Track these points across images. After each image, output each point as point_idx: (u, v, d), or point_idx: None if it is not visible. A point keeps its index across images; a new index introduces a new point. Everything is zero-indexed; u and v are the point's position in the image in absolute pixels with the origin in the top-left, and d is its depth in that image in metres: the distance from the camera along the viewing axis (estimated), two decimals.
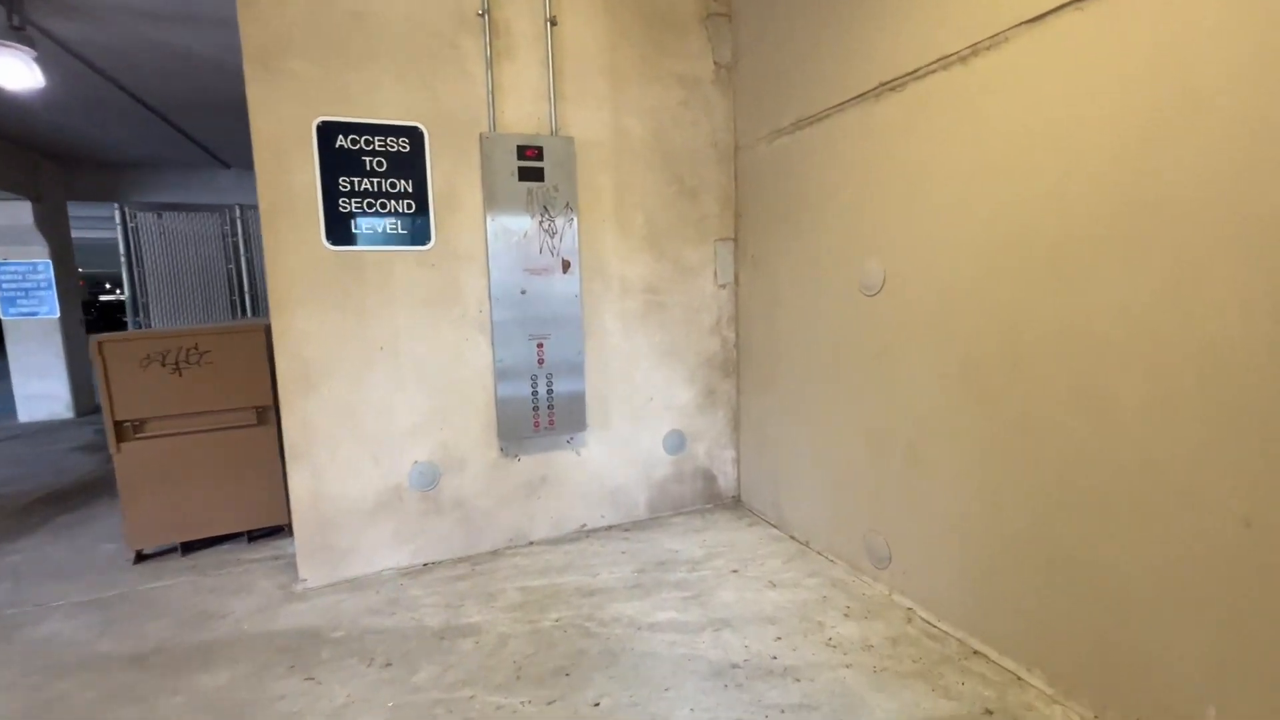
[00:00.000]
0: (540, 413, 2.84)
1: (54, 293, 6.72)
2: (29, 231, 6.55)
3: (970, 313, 1.93)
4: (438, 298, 2.68)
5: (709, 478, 3.32)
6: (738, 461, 3.36)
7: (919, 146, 2.07)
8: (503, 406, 2.78)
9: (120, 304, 5.02)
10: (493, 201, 2.66)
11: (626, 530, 3.05)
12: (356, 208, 2.53)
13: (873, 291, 2.30)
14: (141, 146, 6.49)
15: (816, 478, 2.71)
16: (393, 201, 2.58)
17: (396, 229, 2.59)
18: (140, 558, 2.95)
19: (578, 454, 3.01)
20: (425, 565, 2.77)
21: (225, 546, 3.09)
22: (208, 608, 2.48)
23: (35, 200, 6.49)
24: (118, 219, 5.27)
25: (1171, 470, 1.45)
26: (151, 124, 5.65)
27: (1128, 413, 1.53)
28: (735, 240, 3.19)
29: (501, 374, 2.76)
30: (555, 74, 2.76)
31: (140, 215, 5.40)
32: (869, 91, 2.24)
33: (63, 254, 6.79)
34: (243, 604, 2.49)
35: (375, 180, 2.55)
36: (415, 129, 2.58)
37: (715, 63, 3.07)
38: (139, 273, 5.38)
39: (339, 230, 2.51)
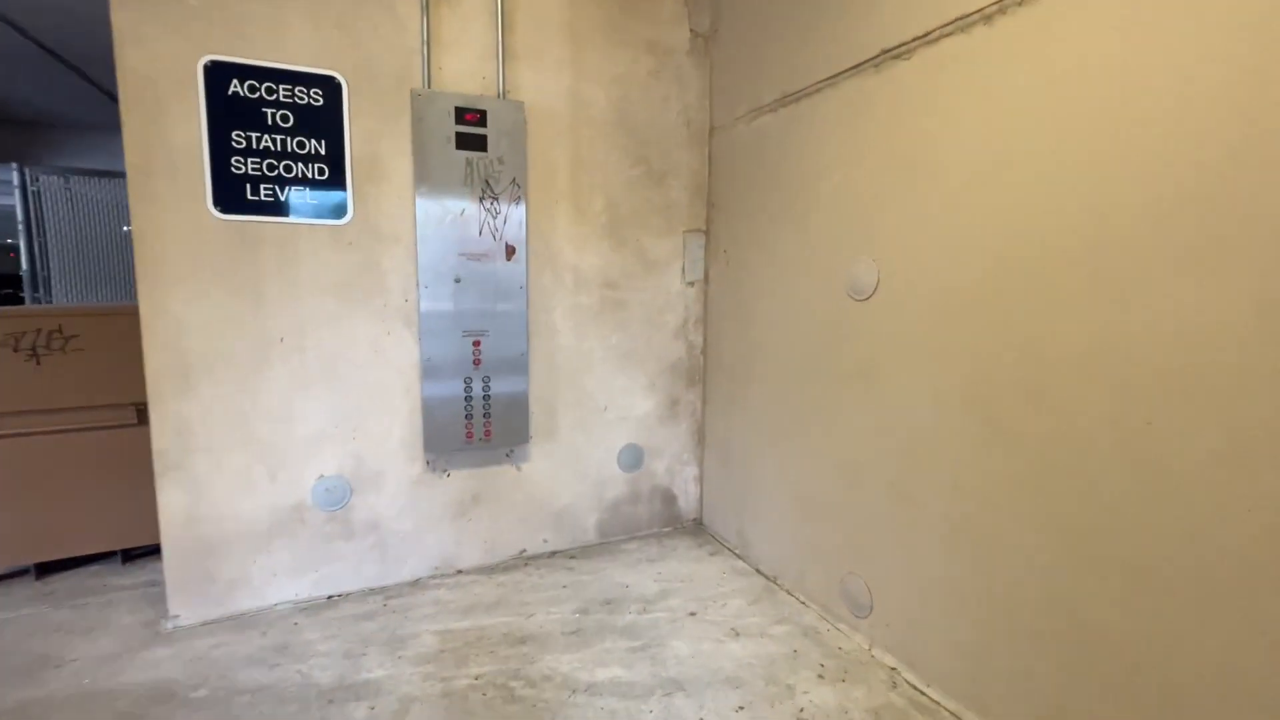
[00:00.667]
0: (474, 421, 2.44)
1: None
2: None
3: (980, 325, 1.61)
4: (354, 282, 2.26)
5: (668, 498, 2.96)
6: (700, 480, 3.01)
7: (926, 124, 1.74)
8: (430, 413, 2.37)
9: (15, 277, 4.44)
10: (425, 172, 2.25)
11: (572, 557, 2.68)
12: (254, 169, 2.09)
13: (863, 295, 1.97)
14: (55, 104, 5.84)
15: (787, 506, 2.38)
16: (300, 165, 2.15)
17: (305, 199, 2.16)
18: None
19: (518, 469, 2.62)
20: (329, 598, 2.34)
21: (93, 568, 2.61)
22: (46, 651, 2.01)
23: None
24: (15, 181, 4.64)
25: (1247, 547, 1.15)
26: (65, 78, 5.04)
27: (1190, 467, 1.22)
28: (706, 232, 2.84)
29: (429, 374, 2.35)
30: (505, 27, 2.36)
31: (44, 178, 4.77)
32: (868, 61, 1.91)
33: None
34: (91, 647, 2.03)
35: (279, 138, 2.11)
36: (331, 79, 2.15)
37: (692, 30, 2.71)
38: (40, 243, 4.76)
39: (230, 196, 2.07)
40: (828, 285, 2.12)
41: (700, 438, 2.98)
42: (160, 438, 2.09)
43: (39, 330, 2.42)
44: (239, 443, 2.18)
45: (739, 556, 2.68)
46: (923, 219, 1.76)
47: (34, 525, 2.47)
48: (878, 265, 1.91)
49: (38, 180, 4.60)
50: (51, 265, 4.74)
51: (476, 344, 2.41)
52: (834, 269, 2.09)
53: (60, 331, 2.45)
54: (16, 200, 4.60)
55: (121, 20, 1.91)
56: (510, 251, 2.41)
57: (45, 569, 2.55)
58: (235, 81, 2.04)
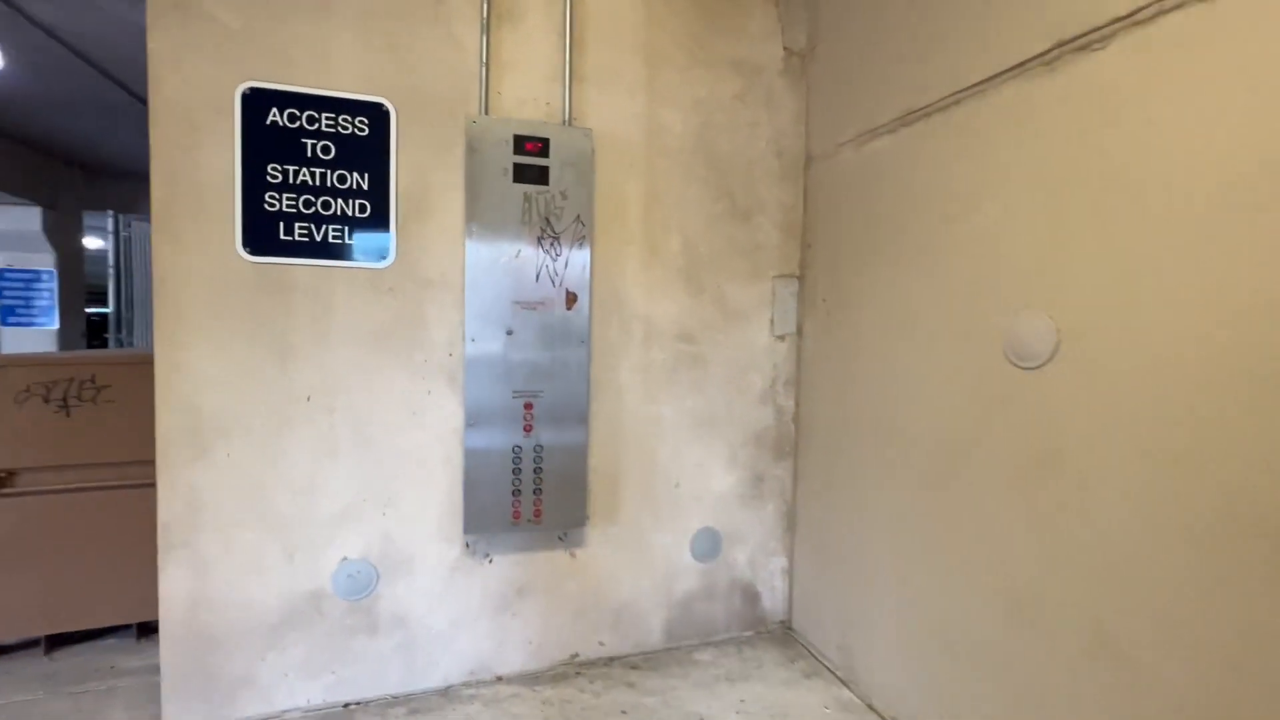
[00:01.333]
0: (523, 498, 2.05)
1: (55, 304, 6.36)
2: (36, 238, 6.24)
3: (1244, 412, 1.09)
4: (393, 333, 1.96)
5: (750, 595, 2.45)
6: (790, 575, 2.49)
7: (1131, 133, 1.27)
8: (472, 487, 2.00)
9: (101, 319, 4.48)
10: (477, 209, 1.95)
11: (634, 667, 2.20)
12: (289, 206, 1.85)
13: (1033, 361, 1.47)
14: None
15: (916, 631, 1.83)
16: (340, 201, 1.89)
17: (343, 238, 1.90)
18: None
19: (572, 556, 2.20)
20: (346, 706, 1.96)
21: (107, 642, 2.36)
22: None
23: (48, 207, 6.18)
24: (109, 227, 4.82)
25: None
26: None
27: None
28: (801, 278, 2.41)
29: (473, 441, 2.00)
30: (574, 46, 2.07)
31: (135, 225, 4.94)
32: (1035, 58, 1.46)
33: (71, 264, 6.43)
34: None
35: (319, 171, 1.87)
36: (378, 106, 1.91)
37: (785, 48, 2.35)
38: (126, 287, 4.90)
39: (262, 235, 1.83)
40: (975, 346, 1.63)
41: (790, 523, 2.47)
42: (166, 509, 1.81)
43: (71, 380, 2.25)
44: (254, 517, 1.87)
45: (843, 682, 2.12)
46: (1132, 258, 1.27)
47: (48, 591, 2.25)
48: (1056, 322, 1.41)
49: (129, 226, 4.77)
50: (135, 309, 4.86)
51: (529, 406, 2.04)
52: (985, 325, 1.60)
53: (93, 381, 2.28)
54: (109, 246, 4.80)
55: (159, 45, 1.73)
56: (571, 299, 2.06)
57: (56, 641, 2.32)
58: (275, 110, 1.82)
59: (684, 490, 2.32)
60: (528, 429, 2.04)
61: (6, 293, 6.41)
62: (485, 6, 1.96)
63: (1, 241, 6.26)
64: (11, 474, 2.22)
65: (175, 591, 1.83)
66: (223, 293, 1.81)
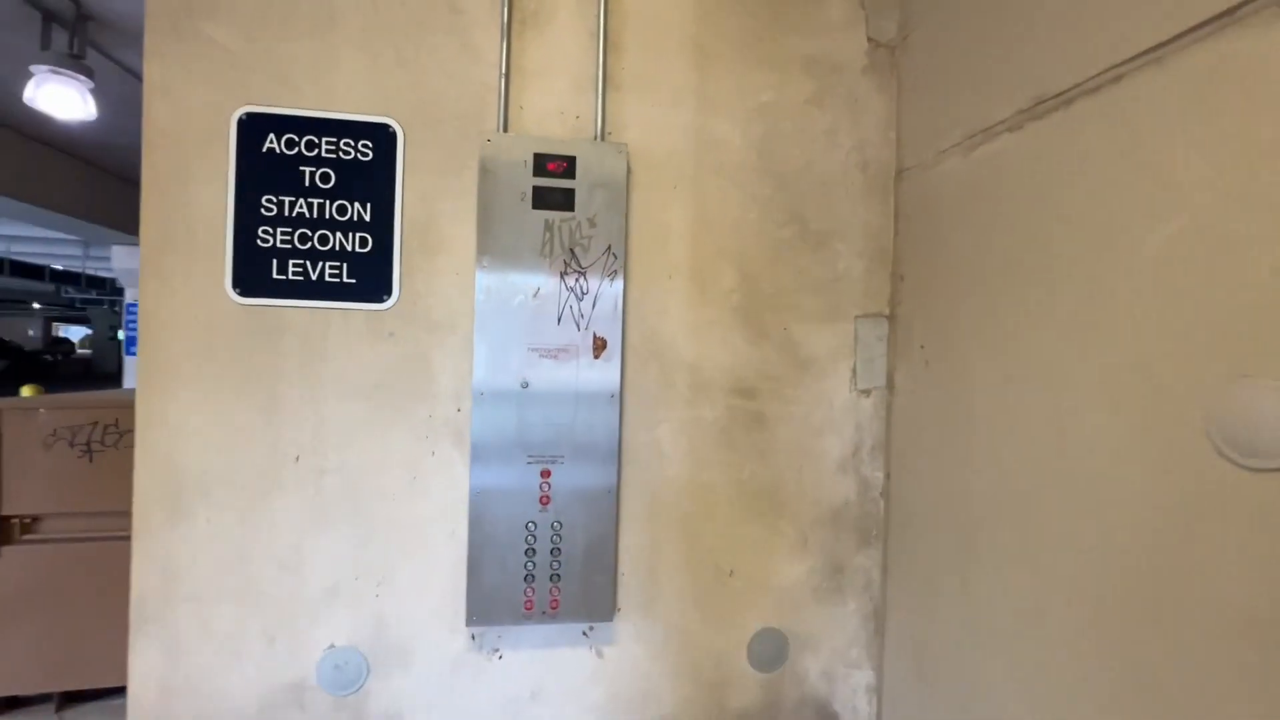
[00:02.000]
0: (538, 583, 1.70)
1: None
2: None
3: None
4: (393, 384, 1.69)
5: (826, 716, 1.93)
6: (879, 694, 1.95)
7: None
8: (477, 568, 1.68)
9: None
10: (489, 239, 1.67)
11: None
12: (283, 241, 1.65)
13: (1263, 460, 0.93)
14: None
15: None
16: (339, 234, 1.67)
17: (340, 275, 1.67)
18: (4, 705, 2.15)
19: (599, 655, 1.80)
20: None
21: (117, 701, 2.22)
22: None
23: None
24: None
25: None
26: None
27: None
28: (891, 318, 1.93)
29: (480, 512, 1.68)
30: (608, 49, 1.77)
31: None
32: (1245, 4, 0.97)
33: None
34: None
35: (316, 202, 1.66)
36: (384, 127, 1.68)
37: (870, 40, 1.93)
38: None
39: (253, 274, 1.63)
40: (1161, 428, 1.10)
41: (879, 628, 1.95)
42: (141, 580, 1.61)
43: (95, 424, 2.18)
44: (234, 592, 1.64)
45: None
46: None
47: (63, 645, 2.15)
48: None
49: None
50: None
51: (546, 474, 1.70)
52: (1176, 398, 1.08)
53: (116, 425, 2.20)
54: None
55: (153, 72, 1.60)
56: (600, 345, 1.72)
57: (70, 698, 2.21)
58: (272, 136, 1.64)
59: (740, 580, 1.87)
60: (544, 501, 1.69)
61: (131, 325, 7.03)
62: (506, 9, 1.70)
63: (127, 278, 6.90)
64: (36, 520, 2.16)
65: (146, 673, 1.62)
66: (209, 337, 1.62)
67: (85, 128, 4.31)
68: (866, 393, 1.93)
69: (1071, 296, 1.29)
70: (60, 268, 14.96)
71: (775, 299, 1.87)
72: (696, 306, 1.82)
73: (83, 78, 3.25)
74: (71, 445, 2.16)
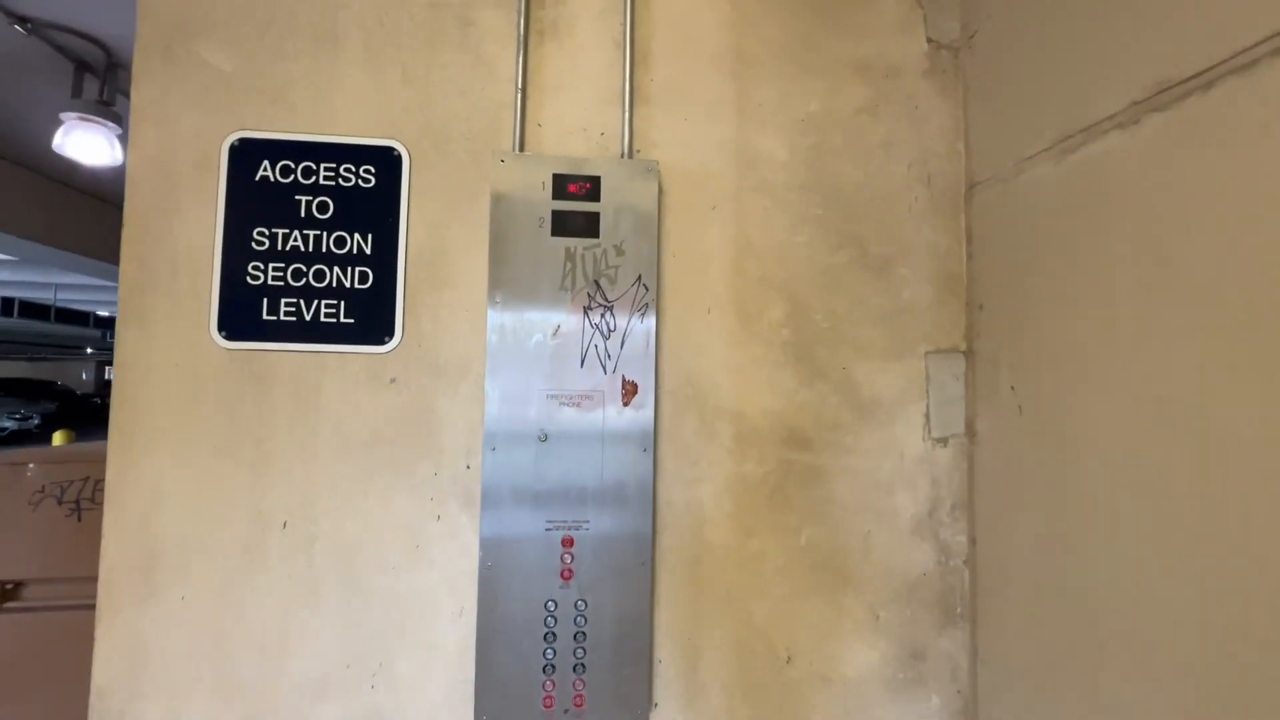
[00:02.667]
0: (560, 675, 1.43)
1: None
2: None
3: None
4: (394, 438, 1.48)
5: None
6: None
7: None
8: (489, 654, 1.42)
9: None
10: (503, 271, 1.46)
11: None
12: (275, 278, 1.47)
13: None
14: None
15: None
16: (337, 269, 1.49)
17: (337, 315, 1.48)
18: None
19: None
20: None
21: None
22: None
23: None
24: None
25: None
26: None
27: None
28: (969, 354, 1.66)
29: (493, 590, 1.43)
30: (635, 59, 1.58)
31: None
32: None
33: None
34: None
35: (313, 234, 1.49)
36: (389, 150, 1.51)
37: (930, 41, 1.71)
38: None
39: (241, 315, 1.46)
40: None
41: None
42: (104, 668, 1.40)
43: (86, 479, 2.02)
44: (208, 683, 1.41)
45: None
46: None
47: None
48: None
49: None
50: None
51: (568, 542, 1.45)
52: None
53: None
54: None
55: (141, 97, 1.46)
56: (630, 390, 1.48)
57: None
58: (266, 163, 1.48)
59: (799, 668, 1.56)
60: (566, 575, 1.44)
61: None
62: (522, 20, 1.54)
63: None
64: (19, 585, 1.99)
65: None
66: (191, 387, 1.44)
67: (115, 174, 4.36)
68: (943, 441, 1.64)
69: (1219, 323, 1.01)
70: (106, 314, 15.54)
71: (831, 333, 1.62)
72: (740, 344, 1.58)
73: (110, 124, 3.24)
74: (60, 503, 2.00)
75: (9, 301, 10.46)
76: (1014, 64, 1.53)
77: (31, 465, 2.00)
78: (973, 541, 1.63)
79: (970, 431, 1.64)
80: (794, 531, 1.57)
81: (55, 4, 2.86)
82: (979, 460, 1.62)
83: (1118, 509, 1.21)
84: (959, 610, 1.62)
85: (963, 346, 1.66)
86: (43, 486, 1.98)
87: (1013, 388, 1.50)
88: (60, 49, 3.09)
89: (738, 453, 1.56)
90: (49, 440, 5.61)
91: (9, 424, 14.82)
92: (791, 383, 1.59)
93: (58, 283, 10.08)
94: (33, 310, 11.13)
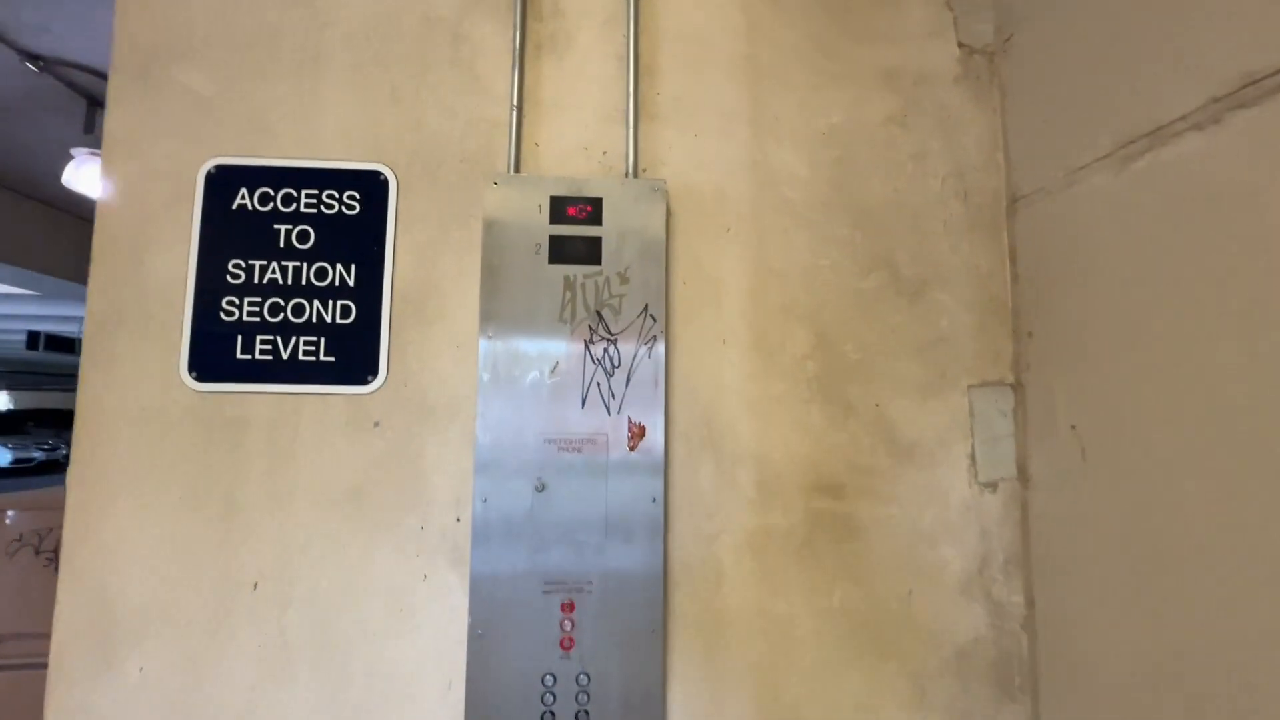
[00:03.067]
0: None
1: None
2: None
3: None
4: (376, 488, 1.34)
5: None
6: None
7: None
8: None
9: None
10: (497, 303, 1.33)
11: None
12: (251, 313, 1.35)
13: None
14: None
15: None
16: (317, 302, 1.37)
17: (317, 352, 1.36)
18: None
19: None
20: None
21: None
22: None
23: None
24: None
25: None
26: None
27: None
28: (1017, 386, 1.47)
29: (484, 661, 1.26)
30: (640, 73, 1.46)
31: None
32: None
33: None
34: None
35: (292, 266, 1.37)
36: (374, 175, 1.40)
37: (961, 44, 1.57)
38: None
39: (214, 354, 1.34)
40: None
41: None
42: None
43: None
44: None
45: None
46: None
47: None
48: None
49: None
50: None
51: (569, 607, 1.28)
52: None
53: None
54: None
55: (116, 124, 1.38)
56: (637, 433, 1.32)
57: None
58: (244, 191, 1.38)
59: None
60: (567, 645, 1.27)
61: None
62: (518, 34, 1.43)
63: None
64: None
65: None
66: (157, 433, 1.31)
67: None
68: (991, 486, 1.45)
69: None
70: None
71: (862, 367, 1.45)
72: (761, 379, 1.42)
73: None
74: (37, 553, 1.89)
75: (35, 335, 10.66)
76: (1060, 66, 1.38)
77: (11, 512, 1.89)
78: (1030, 602, 1.42)
79: (1022, 475, 1.46)
80: (825, 591, 1.39)
81: (66, 42, 2.87)
82: (1034, 508, 1.42)
83: (1211, 566, 1.01)
84: (1017, 682, 1.41)
85: (1010, 379, 1.48)
86: (20, 535, 1.88)
87: (1073, 426, 1.32)
88: (72, 85, 3.10)
89: (760, 502, 1.39)
90: None
91: (38, 454, 15.05)
92: (819, 422, 1.42)
93: (82, 316, 10.25)
94: (59, 344, 11.35)
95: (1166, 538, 1.10)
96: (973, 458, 1.45)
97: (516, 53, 1.43)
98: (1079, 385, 1.31)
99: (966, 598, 1.42)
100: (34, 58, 2.97)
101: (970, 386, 1.47)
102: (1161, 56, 1.13)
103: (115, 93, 1.38)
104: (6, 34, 2.82)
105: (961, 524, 1.43)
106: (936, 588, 1.41)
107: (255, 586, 1.30)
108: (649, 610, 1.29)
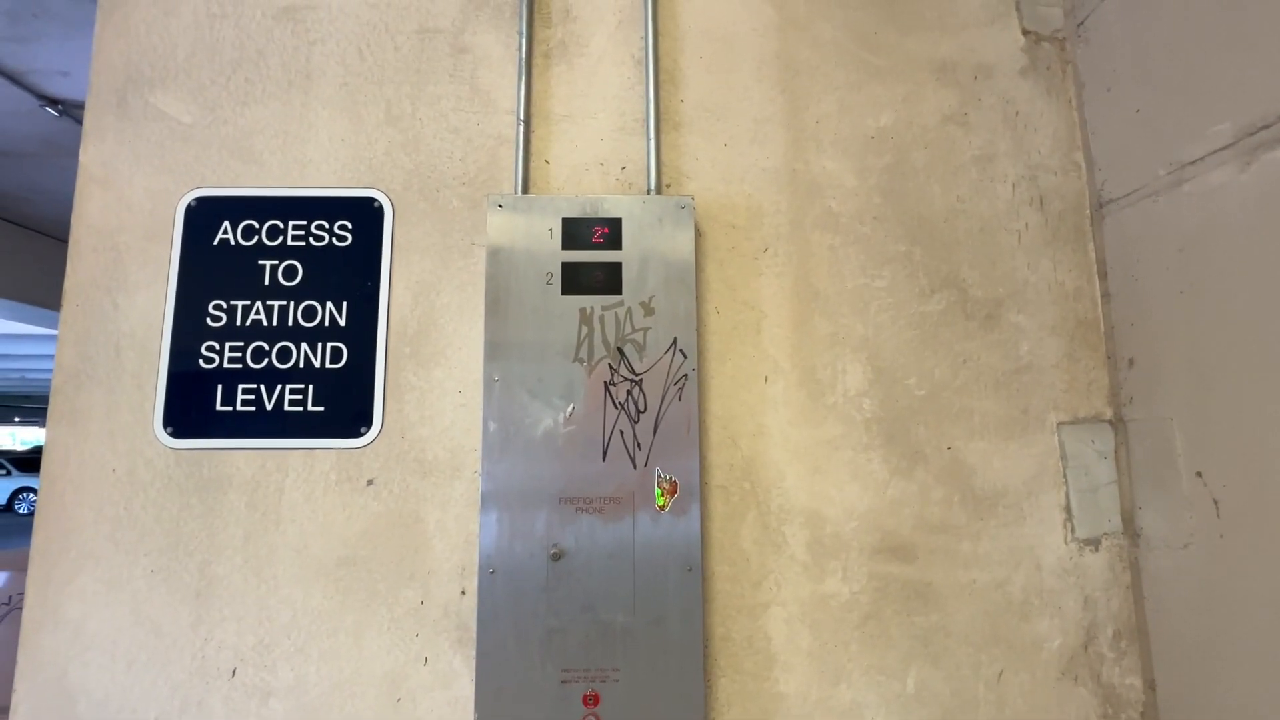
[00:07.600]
0: None
1: None
2: None
3: None
4: (371, 557, 1.17)
5: None
6: None
7: None
8: None
9: None
10: (503, 341, 1.16)
11: None
12: (233, 359, 1.21)
13: None
14: None
15: None
16: (305, 345, 1.22)
17: (304, 402, 1.20)
18: None
19: None
20: None
21: None
22: None
23: None
24: None
25: None
26: None
27: None
28: (1117, 422, 1.24)
29: None
30: (661, 78, 1.30)
31: None
32: None
33: None
34: None
35: (278, 305, 1.23)
36: (368, 201, 1.26)
37: (1027, 31, 1.38)
38: None
39: (191, 407, 1.19)
40: None
41: None
42: None
43: None
44: None
45: None
46: None
47: None
48: None
49: None
50: None
51: (592, 700, 1.08)
52: None
53: None
54: None
55: (90, 156, 1.26)
56: (669, 489, 1.13)
57: None
58: (226, 225, 1.24)
59: None
60: None
61: None
62: (524, 42, 1.29)
63: None
64: None
65: None
66: (127, 498, 1.17)
67: None
68: (1092, 544, 1.22)
69: None
70: None
71: (929, 404, 1.24)
72: (810, 421, 1.22)
73: None
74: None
75: None
76: (1155, 46, 1.18)
77: (1, 574, 1.77)
78: (1151, 685, 1.17)
79: (1129, 530, 1.22)
80: (897, 675, 1.16)
81: (85, 85, 2.86)
82: (1150, 570, 1.18)
83: None
84: None
85: (1108, 414, 1.25)
86: (10, 598, 1.75)
87: (1199, 473, 1.08)
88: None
89: (814, 567, 1.18)
90: None
91: None
92: (881, 471, 1.21)
93: None
94: None
95: None
96: (1068, 509, 1.22)
97: (522, 62, 1.28)
98: (1203, 422, 1.08)
99: (1069, 680, 1.18)
100: (54, 102, 2.96)
101: (1060, 424, 1.25)
102: None
103: (91, 123, 1.27)
104: (25, 78, 2.82)
105: (1059, 590, 1.20)
106: (1032, 669, 1.18)
107: (233, 673, 1.13)
108: (687, 702, 1.08)
